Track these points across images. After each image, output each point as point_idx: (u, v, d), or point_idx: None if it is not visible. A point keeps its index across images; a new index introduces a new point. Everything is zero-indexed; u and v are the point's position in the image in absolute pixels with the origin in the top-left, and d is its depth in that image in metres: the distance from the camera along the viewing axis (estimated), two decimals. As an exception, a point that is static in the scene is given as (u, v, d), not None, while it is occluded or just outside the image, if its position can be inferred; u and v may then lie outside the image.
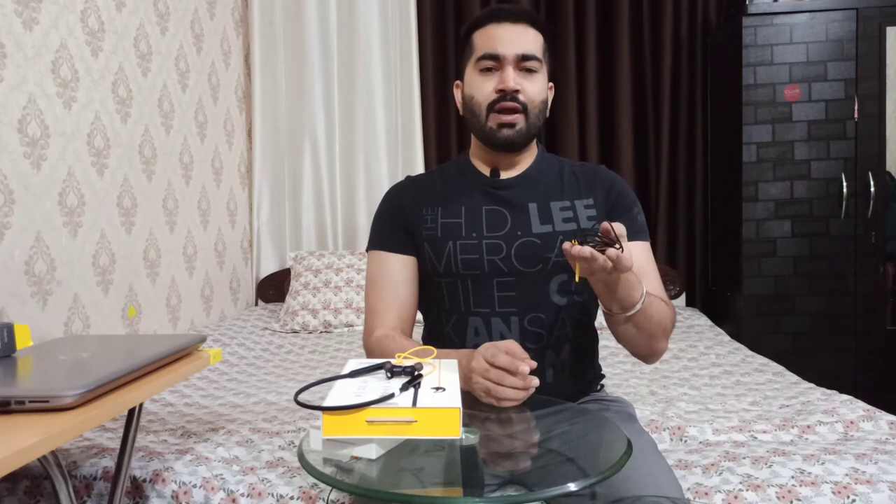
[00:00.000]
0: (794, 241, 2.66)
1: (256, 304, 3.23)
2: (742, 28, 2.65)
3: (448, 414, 0.83)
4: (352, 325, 2.72)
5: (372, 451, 0.84)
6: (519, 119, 1.18)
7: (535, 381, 0.99)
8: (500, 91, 1.17)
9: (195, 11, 2.77)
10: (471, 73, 1.21)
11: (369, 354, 1.22)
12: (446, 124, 3.21)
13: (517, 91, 1.16)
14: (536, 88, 1.19)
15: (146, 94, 2.41)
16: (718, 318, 2.87)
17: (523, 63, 1.17)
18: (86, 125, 2.08)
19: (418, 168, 3.12)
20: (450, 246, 1.20)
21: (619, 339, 1.16)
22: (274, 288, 3.18)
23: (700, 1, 3.06)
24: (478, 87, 1.19)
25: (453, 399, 0.86)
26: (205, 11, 2.85)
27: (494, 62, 1.18)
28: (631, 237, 1.21)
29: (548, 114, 1.25)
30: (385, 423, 0.83)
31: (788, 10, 2.63)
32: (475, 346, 1.17)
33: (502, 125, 1.18)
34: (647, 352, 1.17)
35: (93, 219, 2.10)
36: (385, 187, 3.12)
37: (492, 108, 1.18)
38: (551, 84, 1.26)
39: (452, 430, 0.84)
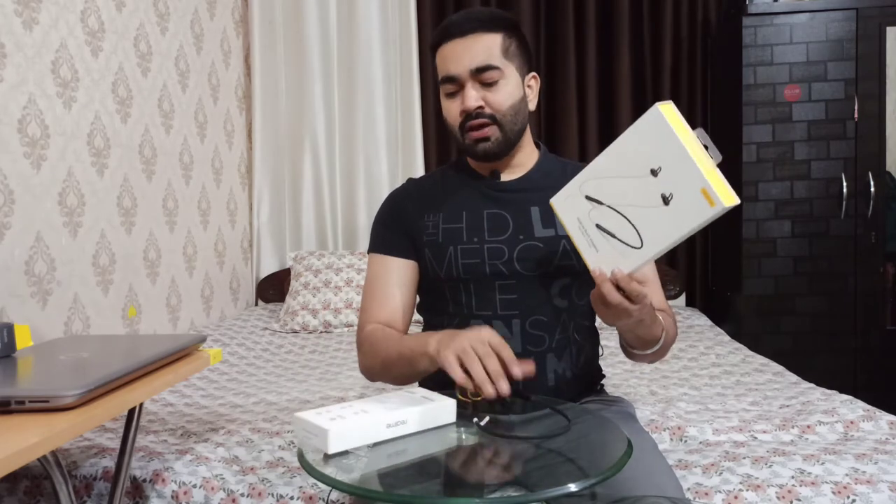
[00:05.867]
0: (794, 241, 2.66)
1: (256, 304, 3.22)
2: (742, 28, 2.64)
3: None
4: (352, 325, 2.72)
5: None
6: (491, 131, 1.17)
7: (505, 391, 0.91)
8: (464, 112, 1.17)
9: (195, 11, 2.77)
10: (441, 94, 1.22)
11: (360, 348, 1.23)
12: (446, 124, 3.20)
13: (480, 107, 1.16)
14: (501, 96, 1.17)
15: (146, 94, 2.41)
16: (718, 318, 2.87)
17: (480, 76, 1.15)
18: (86, 125, 2.08)
19: (418, 168, 3.12)
20: (451, 251, 1.20)
21: (632, 360, 1.23)
22: (274, 288, 3.18)
23: (700, 1, 3.06)
24: (446, 110, 1.21)
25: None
26: (205, 11, 2.85)
27: (453, 85, 1.18)
28: None
29: (532, 106, 1.23)
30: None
31: (788, 10, 2.62)
32: None
33: (477, 140, 1.18)
34: (652, 364, 1.22)
35: (93, 219, 2.10)
36: (385, 187, 3.12)
37: (462, 128, 1.18)
38: (533, 74, 1.24)
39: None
